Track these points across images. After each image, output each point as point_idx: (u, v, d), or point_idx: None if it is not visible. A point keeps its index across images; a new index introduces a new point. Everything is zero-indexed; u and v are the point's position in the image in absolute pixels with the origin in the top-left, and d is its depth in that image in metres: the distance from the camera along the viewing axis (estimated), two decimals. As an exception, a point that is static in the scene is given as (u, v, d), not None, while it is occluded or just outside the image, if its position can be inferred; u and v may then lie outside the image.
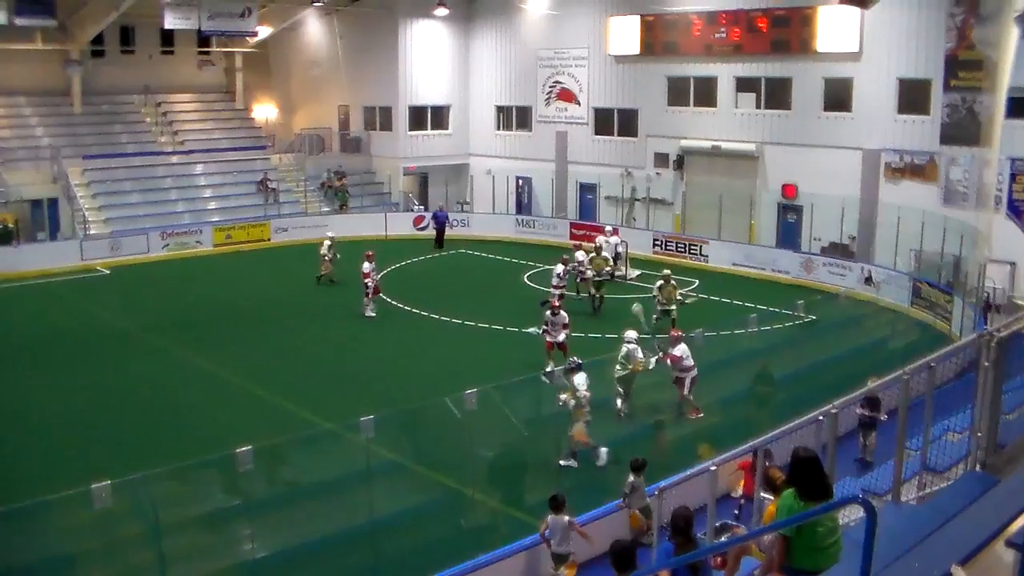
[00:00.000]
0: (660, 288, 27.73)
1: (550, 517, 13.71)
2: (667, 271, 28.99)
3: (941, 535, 7.35)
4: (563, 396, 18.79)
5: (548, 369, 22.12)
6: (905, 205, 33.29)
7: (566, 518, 13.69)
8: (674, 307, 27.62)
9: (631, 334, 21.42)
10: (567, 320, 24.15)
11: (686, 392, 21.01)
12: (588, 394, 18.69)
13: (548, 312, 24.38)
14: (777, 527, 8.12)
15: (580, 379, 18.89)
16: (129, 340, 28.59)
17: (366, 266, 30.71)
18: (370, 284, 30.71)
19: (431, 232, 44.45)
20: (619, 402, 20.84)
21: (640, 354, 20.91)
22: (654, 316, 26.92)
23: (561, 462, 18.75)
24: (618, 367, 20.84)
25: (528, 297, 33.29)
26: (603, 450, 18.80)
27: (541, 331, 24.70)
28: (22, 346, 27.87)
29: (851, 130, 36.42)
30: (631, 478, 15.15)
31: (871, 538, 5.79)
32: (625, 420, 20.72)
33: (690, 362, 20.93)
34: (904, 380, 9.90)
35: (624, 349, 20.99)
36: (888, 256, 34.07)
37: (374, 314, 30.51)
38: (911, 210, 32.66)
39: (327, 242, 34.93)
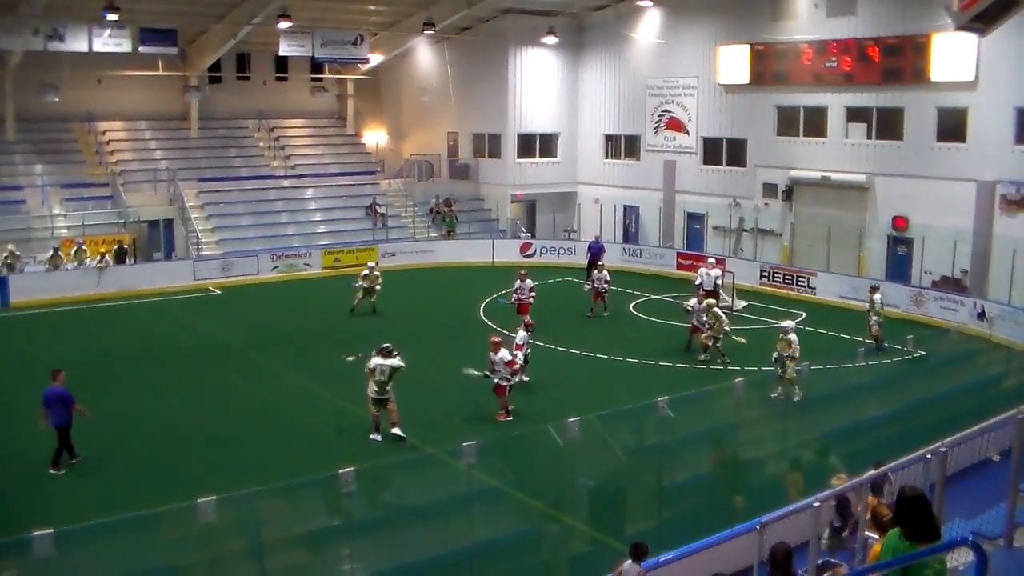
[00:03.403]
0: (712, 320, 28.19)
1: (627, 564, 13.10)
2: (711, 300, 29.48)
3: (1054, 582, 7.15)
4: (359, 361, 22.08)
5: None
6: (1022, 238, 32.48)
7: (640, 569, 13.13)
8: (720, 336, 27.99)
9: (789, 323, 25.22)
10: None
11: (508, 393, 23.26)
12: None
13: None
14: (881, 567, 7.96)
15: (391, 363, 21.43)
16: (237, 358, 29.20)
17: (517, 284, 31.92)
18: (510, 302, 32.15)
19: (578, 262, 43.32)
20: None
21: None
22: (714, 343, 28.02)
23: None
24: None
25: (636, 326, 33.24)
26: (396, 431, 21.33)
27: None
28: (134, 360, 28.64)
29: (965, 161, 35.60)
30: None
31: (980, 582, 5.65)
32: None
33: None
34: (1019, 419, 9.67)
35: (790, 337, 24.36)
36: (1003, 291, 33.20)
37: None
38: (1028, 244, 31.92)
39: (365, 271, 35.25)
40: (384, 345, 21.78)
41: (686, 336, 29.78)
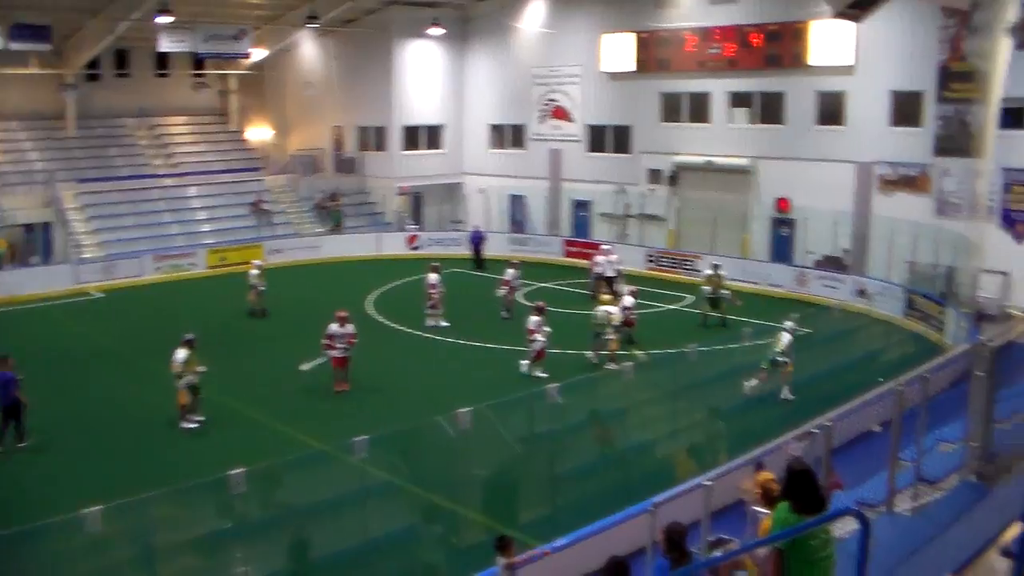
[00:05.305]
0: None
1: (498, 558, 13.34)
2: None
3: (935, 545, 7.30)
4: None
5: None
6: (898, 217, 33.37)
7: (503, 561, 13.24)
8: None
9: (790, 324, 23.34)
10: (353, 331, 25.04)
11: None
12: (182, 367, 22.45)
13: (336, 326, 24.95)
14: (770, 540, 8.06)
15: (180, 354, 22.44)
16: (121, 363, 28.49)
17: (432, 277, 31.62)
18: (435, 296, 31.64)
19: (465, 252, 43.40)
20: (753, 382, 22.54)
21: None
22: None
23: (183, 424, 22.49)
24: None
25: (523, 315, 33.23)
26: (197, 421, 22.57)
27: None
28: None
29: (844, 143, 36.46)
30: None
31: (865, 549, 5.73)
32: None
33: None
34: (898, 391, 9.87)
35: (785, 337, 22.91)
36: (881, 268, 34.11)
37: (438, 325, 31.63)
38: (904, 222, 32.76)
39: (254, 271, 34.29)
40: (187, 336, 23.05)
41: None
